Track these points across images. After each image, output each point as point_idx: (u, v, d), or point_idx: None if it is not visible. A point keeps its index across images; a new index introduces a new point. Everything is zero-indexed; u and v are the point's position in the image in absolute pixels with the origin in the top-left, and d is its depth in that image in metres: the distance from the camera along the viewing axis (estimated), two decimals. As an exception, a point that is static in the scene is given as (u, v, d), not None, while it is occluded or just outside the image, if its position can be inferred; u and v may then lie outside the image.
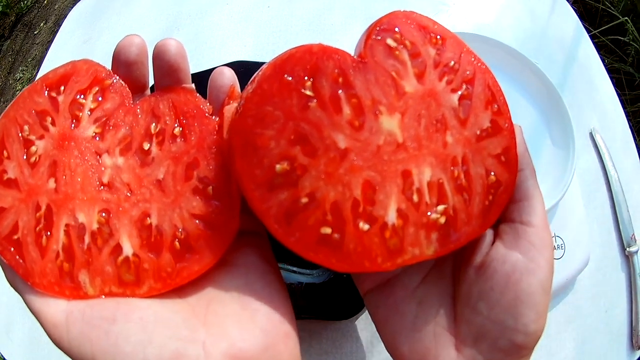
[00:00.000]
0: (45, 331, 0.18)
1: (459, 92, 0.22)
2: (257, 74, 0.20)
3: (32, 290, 0.19)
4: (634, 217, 0.43)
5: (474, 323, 0.20)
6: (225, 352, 0.18)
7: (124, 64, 0.22)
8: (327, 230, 0.19)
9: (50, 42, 1.51)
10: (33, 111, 0.21)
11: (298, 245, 0.19)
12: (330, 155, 0.19)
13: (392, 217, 0.20)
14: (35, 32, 1.60)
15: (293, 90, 0.19)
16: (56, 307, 0.18)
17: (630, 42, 0.85)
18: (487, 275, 0.20)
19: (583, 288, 0.40)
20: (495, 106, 0.22)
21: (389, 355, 0.23)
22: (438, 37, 0.22)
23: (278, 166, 0.19)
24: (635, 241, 0.42)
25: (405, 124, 0.21)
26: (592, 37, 0.54)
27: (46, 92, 0.21)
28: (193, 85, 0.22)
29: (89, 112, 0.21)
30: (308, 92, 0.20)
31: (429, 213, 0.20)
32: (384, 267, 0.19)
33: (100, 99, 0.21)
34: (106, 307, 0.19)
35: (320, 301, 0.35)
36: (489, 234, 0.22)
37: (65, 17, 0.64)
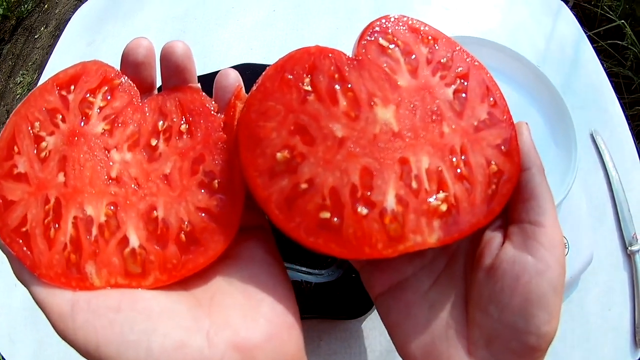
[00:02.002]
0: (51, 322, 0.18)
1: (453, 86, 0.23)
2: (261, 76, 0.21)
3: (38, 281, 0.19)
4: (635, 217, 0.43)
5: (485, 326, 0.20)
6: (229, 342, 0.18)
7: (132, 65, 0.23)
8: (326, 214, 0.20)
9: (50, 46, 1.52)
10: (44, 109, 0.22)
11: (298, 230, 0.20)
12: (328, 144, 0.20)
13: (391, 202, 0.20)
14: (35, 37, 1.61)
15: (293, 86, 0.21)
16: (62, 298, 0.19)
17: (629, 47, 0.86)
18: (496, 277, 0.20)
19: (587, 287, 0.41)
20: (492, 99, 0.23)
21: (398, 355, 0.23)
22: (429, 37, 0.23)
23: (279, 154, 0.20)
24: (637, 240, 0.42)
25: (401, 115, 0.22)
26: (591, 42, 0.55)
27: (57, 91, 0.22)
28: (199, 85, 0.23)
29: (98, 110, 0.22)
30: (306, 87, 0.21)
31: (429, 200, 0.21)
32: (385, 254, 0.20)
33: (109, 97, 0.22)
34: (111, 296, 0.19)
35: (329, 300, 0.35)
36: (499, 235, 0.22)
37: (66, 21, 0.65)
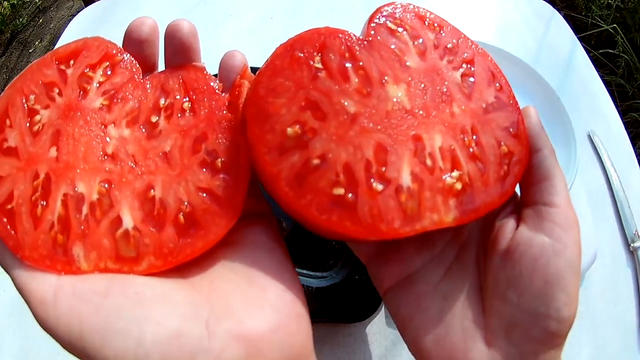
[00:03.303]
0: (31, 309, 0.17)
1: (461, 70, 0.23)
2: (270, 55, 0.21)
3: (20, 264, 0.18)
4: (636, 214, 0.43)
5: (504, 313, 0.20)
6: (230, 332, 0.17)
7: (136, 42, 0.22)
8: (340, 190, 0.19)
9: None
10: (40, 82, 0.20)
11: (310, 208, 0.18)
12: (340, 119, 0.20)
13: (406, 179, 0.20)
14: (30, 50, 1.61)
15: (303, 63, 0.20)
16: (45, 282, 0.17)
17: (621, 54, 0.89)
18: (514, 260, 0.20)
19: (592, 285, 0.40)
20: (498, 84, 0.23)
21: (403, 359, 0.22)
22: (435, 24, 0.24)
23: (289, 129, 0.19)
24: (639, 237, 0.42)
25: (412, 93, 0.21)
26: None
27: (56, 65, 0.21)
28: (204, 63, 0.23)
29: (97, 85, 0.21)
30: (317, 65, 0.21)
31: (444, 178, 0.20)
32: (402, 232, 0.19)
33: (109, 73, 0.21)
34: (99, 281, 0.17)
35: (332, 304, 0.34)
36: (512, 220, 0.21)
37: (61, 36, 0.64)
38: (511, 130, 0.22)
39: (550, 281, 0.19)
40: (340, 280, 0.34)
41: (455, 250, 0.23)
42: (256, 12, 0.62)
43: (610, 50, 0.92)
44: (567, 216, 0.20)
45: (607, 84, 0.53)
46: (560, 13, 0.61)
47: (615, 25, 0.90)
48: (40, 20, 1.70)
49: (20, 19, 1.71)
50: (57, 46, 0.66)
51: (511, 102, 0.23)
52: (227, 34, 0.60)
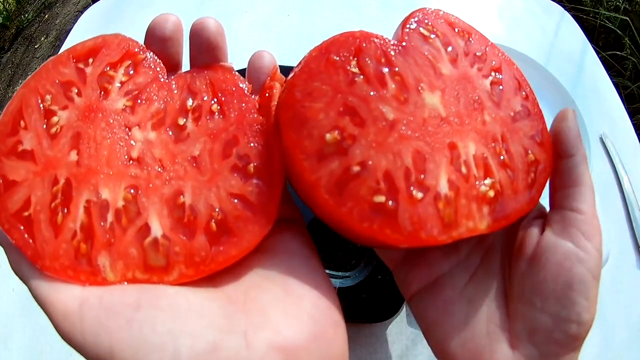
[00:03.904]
0: (53, 322, 0.15)
1: (490, 78, 0.22)
2: (303, 58, 0.20)
3: (39, 275, 0.16)
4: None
5: (528, 317, 0.20)
6: (269, 343, 0.16)
7: (159, 40, 0.20)
8: (381, 198, 0.18)
9: (50, 56, 1.50)
10: (57, 81, 0.19)
11: (351, 215, 0.18)
12: (379, 126, 0.19)
13: (444, 187, 0.19)
14: (35, 46, 1.59)
15: (339, 67, 0.19)
16: (68, 294, 0.16)
17: (628, 57, 0.88)
18: (539, 266, 0.20)
19: (601, 286, 0.40)
20: (524, 93, 0.23)
21: (424, 358, 0.21)
22: (464, 31, 0.23)
23: (328, 135, 0.18)
24: (649, 239, 0.42)
25: (446, 101, 0.21)
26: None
27: (73, 63, 0.19)
28: (232, 64, 0.21)
29: (119, 85, 0.20)
30: (354, 69, 0.20)
31: (478, 185, 0.20)
32: (441, 240, 0.18)
33: (132, 72, 0.20)
34: (129, 292, 0.16)
35: (355, 304, 0.33)
36: (536, 226, 0.21)
37: (67, 32, 0.63)
38: (537, 138, 0.22)
39: (573, 287, 0.19)
40: (363, 279, 0.33)
41: (480, 255, 0.23)
42: (271, 8, 0.60)
43: (618, 53, 0.92)
44: (591, 224, 0.20)
45: (615, 86, 0.53)
46: (569, 14, 0.60)
47: (626, 18, 0.89)
48: (46, 16, 1.68)
49: (26, 15, 1.69)
50: (65, 42, 0.65)
51: (536, 110, 0.22)
52: (242, 30, 0.58)
